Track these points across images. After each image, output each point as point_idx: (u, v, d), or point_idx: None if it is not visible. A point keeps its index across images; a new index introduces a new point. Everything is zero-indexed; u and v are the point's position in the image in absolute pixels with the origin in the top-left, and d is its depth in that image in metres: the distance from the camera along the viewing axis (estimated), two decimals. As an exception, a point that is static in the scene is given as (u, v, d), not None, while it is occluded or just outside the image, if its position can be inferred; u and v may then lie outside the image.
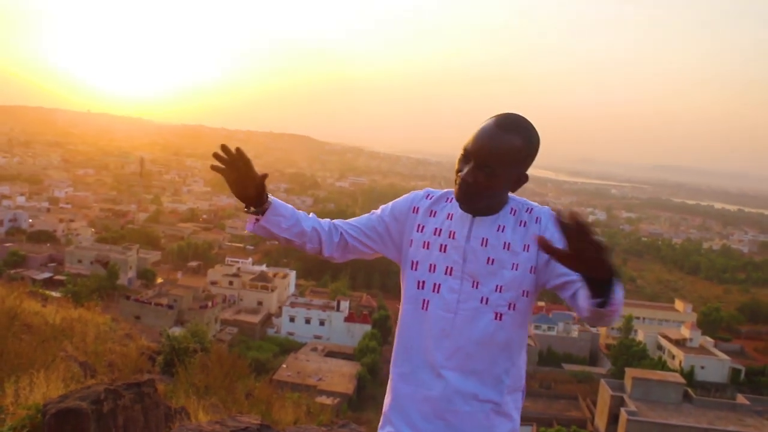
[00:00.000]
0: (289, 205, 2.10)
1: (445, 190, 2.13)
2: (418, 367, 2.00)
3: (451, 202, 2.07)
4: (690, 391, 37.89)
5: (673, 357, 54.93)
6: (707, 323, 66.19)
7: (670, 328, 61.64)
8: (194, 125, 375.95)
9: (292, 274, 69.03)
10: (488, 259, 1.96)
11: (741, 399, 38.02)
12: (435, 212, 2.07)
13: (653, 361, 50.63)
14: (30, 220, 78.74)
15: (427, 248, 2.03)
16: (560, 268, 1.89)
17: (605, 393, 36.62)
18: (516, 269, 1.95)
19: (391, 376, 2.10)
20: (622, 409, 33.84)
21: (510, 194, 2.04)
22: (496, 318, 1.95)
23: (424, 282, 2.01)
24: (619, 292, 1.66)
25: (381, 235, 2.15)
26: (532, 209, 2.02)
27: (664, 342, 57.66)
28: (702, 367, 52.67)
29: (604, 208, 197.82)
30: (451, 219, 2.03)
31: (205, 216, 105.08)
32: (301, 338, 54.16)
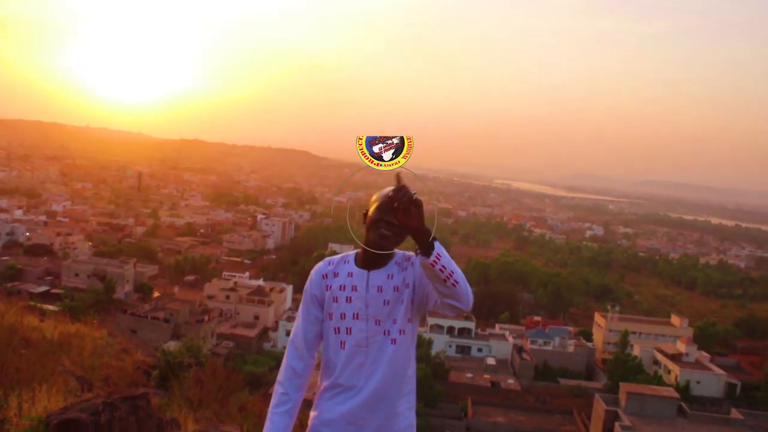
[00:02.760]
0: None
1: (342, 254, 2.74)
2: (341, 389, 2.62)
3: (348, 263, 2.68)
4: (684, 405, 37.96)
5: (669, 372, 55.07)
6: (703, 338, 66.25)
7: (666, 342, 61.76)
8: (192, 140, 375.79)
9: (289, 288, 69.05)
10: (384, 301, 2.60)
11: (735, 414, 38.08)
12: (337, 273, 2.68)
13: (649, 376, 50.73)
14: (27, 234, 78.90)
15: (336, 302, 2.64)
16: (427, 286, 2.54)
17: (600, 407, 36.71)
18: (403, 304, 2.60)
19: (318, 398, 2.71)
20: (617, 424, 33.92)
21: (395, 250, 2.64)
22: (392, 343, 2.60)
23: (338, 328, 2.65)
24: (440, 247, 2.27)
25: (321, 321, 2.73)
26: (410, 257, 2.63)
27: (659, 357, 57.80)
28: (698, 382, 52.83)
29: (601, 223, 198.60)
30: (351, 276, 2.64)
31: (202, 230, 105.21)
32: (297, 353, 54.03)
